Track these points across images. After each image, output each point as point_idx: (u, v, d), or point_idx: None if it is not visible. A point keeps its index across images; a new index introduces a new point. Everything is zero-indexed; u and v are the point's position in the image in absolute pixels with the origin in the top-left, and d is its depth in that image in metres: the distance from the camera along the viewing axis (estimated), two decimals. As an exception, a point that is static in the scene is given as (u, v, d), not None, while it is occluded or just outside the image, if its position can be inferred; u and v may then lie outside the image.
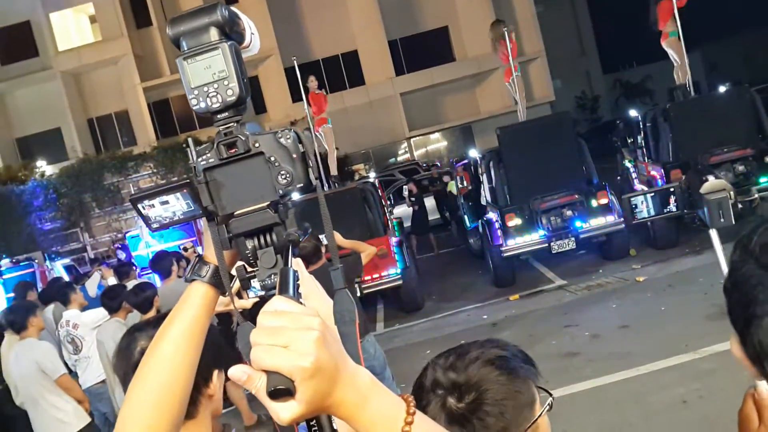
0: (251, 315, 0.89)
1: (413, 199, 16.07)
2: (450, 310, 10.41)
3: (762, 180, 9.70)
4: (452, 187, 16.86)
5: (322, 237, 4.95)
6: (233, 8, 0.99)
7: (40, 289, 9.79)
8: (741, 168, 9.75)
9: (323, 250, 5.03)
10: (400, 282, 10.39)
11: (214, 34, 0.95)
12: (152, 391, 1.08)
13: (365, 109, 31.06)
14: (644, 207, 3.98)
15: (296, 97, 19.78)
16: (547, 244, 10.35)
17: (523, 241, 10.48)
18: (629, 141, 12.70)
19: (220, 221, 0.99)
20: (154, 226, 1.04)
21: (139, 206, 1.02)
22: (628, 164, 12.72)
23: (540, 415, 1.28)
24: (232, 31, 0.97)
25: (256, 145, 0.96)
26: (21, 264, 13.11)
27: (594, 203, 10.36)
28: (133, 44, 29.23)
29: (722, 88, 12.98)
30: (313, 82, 13.25)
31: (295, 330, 0.76)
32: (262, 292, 0.98)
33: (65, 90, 28.95)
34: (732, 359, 0.94)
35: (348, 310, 0.98)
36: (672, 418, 5.24)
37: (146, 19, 30.14)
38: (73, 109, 29.21)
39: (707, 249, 8.20)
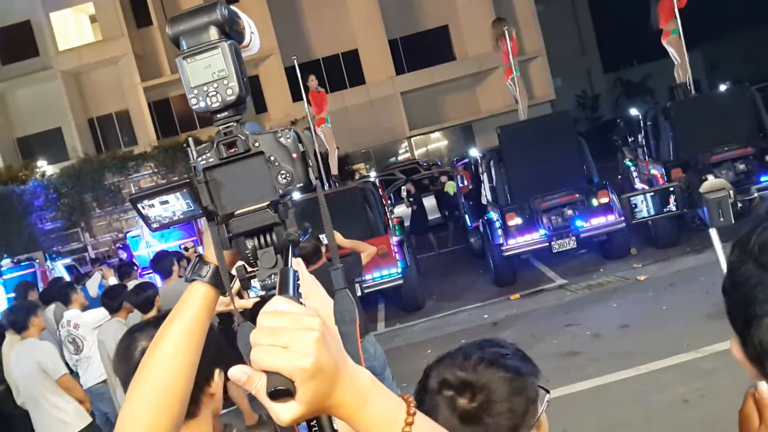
0: (252, 315, 0.89)
1: (411, 199, 16.05)
2: (451, 310, 10.41)
3: (763, 179, 9.70)
4: (449, 188, 16.85)
5: (322, 237, 4.95)
6: (233, 7, 0.99)
7: (40, 289, 9.79)
8: (741, 167, 9.74)
9: (323, 249, 5.02)
10: (400, 281, 10.40)
11: (213, 33, 0.95)
12: (152, 391, 1.07)
13: (366, 108, 31.06)
14: (644, 206, 3.98)
15: (297, 97, 19.79)
16: (547, 244, 10.35)
17: (523, 241, 10.48)
18: (630, 140, 12.69)
19: (220, 221, 0.99)
20: (154, 226, 1.04)
21: (139, 206, 1.02)
22: (628, 163, 12.72)
23: (542, 412, 1.32)
24: (231, 30, 0.97)
25: (256, 144, 0.96)
26: (22, 264, 13.11)
27: (595, 202, 10.36)
28: (133, 44, 29.24)
29: (723, 87, 12.97)
30: (313, 81, 13.24)
31: (295, 330, 0.76)
32: (263, 292, 0.98)
33: (66, 90, 28.97)
34: (733, 359, 0.94)
35: (348, 310, 0.98)
36: (673, 418, 5.24)
37: (146, 19, 30.15)
38: (73, 109, 29.23)
39: (708, 248, 8.18)
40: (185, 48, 0.95)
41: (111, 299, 5.95)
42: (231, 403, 7.14)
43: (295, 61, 13.48)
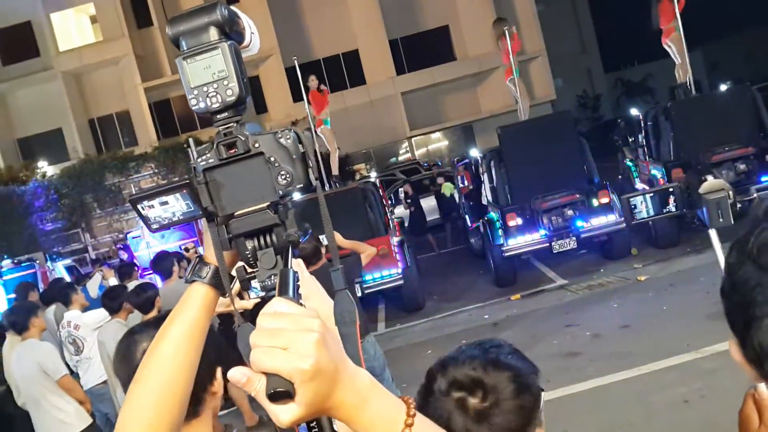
0: (252, 315, 0.89)
1: (409, 200, 16.04)
2: (451, 310, 10.41)
3: (763, 179, 9.69)
4: (446, 189, 16.85)
5: (322, 237, 4.95)
6: (233, 8, 0.99)
7: (41, 290, 9.79)
8: (742, 167, 9.73)
9: (323, 250, 5.02)
10: (401, 282, 10.39)
11: (213, 33, 0.94)
12: (152, 391, 1.07)
13: (366, 108, 31.06)
14: (643, 207, 3.98)
15: (297, 97, 19.79)
16: (548, 244, 10.34)
17: (524, 241, 10.48)
18: (630, 140, 12.69)
19: (220, 222, 0.99)
20: (154, 226, 1.04)
21: (139, 207, 1.02)
22: (629, 163, 12.71)
23: (542, 408, 1.36)
24: (231, 31, 0.97)
25: (256, 145, 0.96)
26: (22, 265, 13.10)
27: (595, 202, 10.36)
28: (134, 44, 29.25)
29: (723, 87, 12.98)
30: (313, 81, 13.25)
31: (295, 332, 0.75)
32: (263, 293, 0.98)
33: (66, 90, 28.98)
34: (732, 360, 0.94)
35: (348, 311, 0.98)
36: (674, 418, 5.24)
37: (147, 19, 30.15)
38: (74, 110, 29.24)
39: (708, 248, 8.16)
40: (185, 48, 0.95)
41: (111, 300, 5.95)
42: (231, 403, 7.14)
43: (295, 61, 13.48)
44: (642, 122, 11.89)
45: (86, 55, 29.20)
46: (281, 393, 0.74)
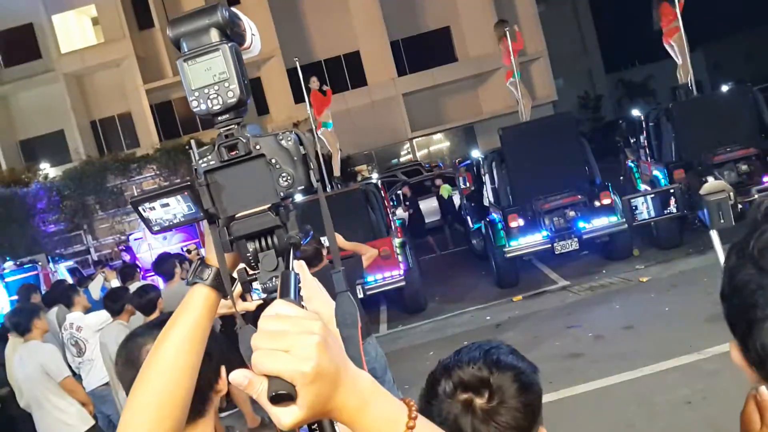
0: (255, 317, 0.89)
1: (408, 203, 16.04)
2: (453, 311, 10.40)
3: (766, 179, 9.66)
4: (444, 191, 16.85)
5: (323, 239, 4.94)
6: (234, 9, 0.99)
7: (43, 292, 9.80)
8: (744, 167, 9.71)
9: (324, 252, 5.02)
10: (403, 283, 10.39)
11: (214, 35, 0.94)
12: (154, 393, 1.07)
13: (367, 109, 31.06)
14: (645, 208, 3.98)
15: (299, 98, 19.80)
16: (550, 245, 10.33)
17: (526, 242, 10.47)
18: (632, 141, 12.68)
19: (221, 224, 0.99)
20: (155, 228, 1.04)
21: (140, 209, 1.02)
22: (631, 164, 12.70)
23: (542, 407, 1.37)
24: (232, 33, 0.97)
25: (257, 147, 0.96)
26: (24, 266, 13.12)
27: (597, 203, 10.35)
28: (135, 46, 29.28)
29: (725, 88, 12.96)
30: (315, 82, 13.24)
31: (296, 334, 0.75)
32: (265, 295, 0.98)
33: (68, 92, 29.02)
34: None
35: (350, 313, 0.98)
36: (676, 419, 5.23)
37: (148, 21, 30.17)
38: (76, 111, 29.28)
39: (710, 249, 8.17)
40: (186, 50, 0.95)
41: (113, 302, 5.95)
42: (233, 405, 7.14)
43: (297, 62, 13.49)
44: (643, 123, 11.89)
45: (88, 57, 29.24)
46: (283, 395, 0.74)
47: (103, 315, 6.30)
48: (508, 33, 12.19)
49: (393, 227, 11.48)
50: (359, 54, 31.97)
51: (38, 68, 29.17)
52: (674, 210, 3.96)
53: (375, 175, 23.19)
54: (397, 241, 10.70)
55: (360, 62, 32.03)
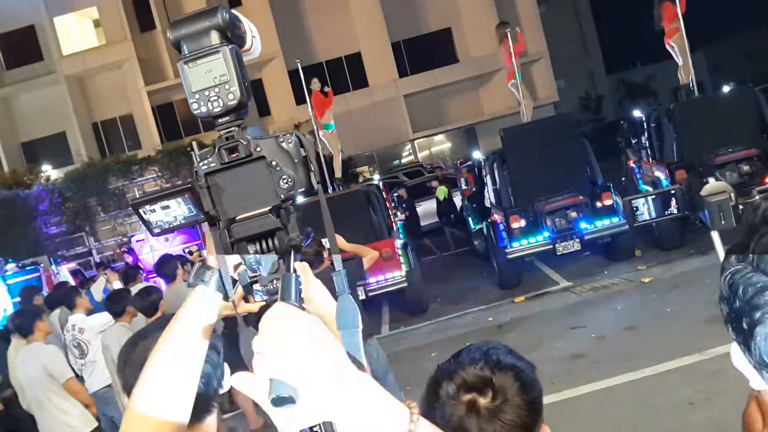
0: (257, 319, 0.89)
1: (404, 205, 16.04)
2: (455, 313, 10.39)
3: (767, 180, 9.65)
4: (440, 193, 16.84)
5: (324, 241, 4.93)
6: (234, 11, 0.99)
7: (45, 294, 9.80)
8: (746, 168, 9.69)
9: (325, 254, 5.01)
10: (404, 284, 10.38)
11: (214, 37, 0.94)
12: (156, 395, 1.07)
13: (369, 111, 31.08)
14: (646, 209, 3.97)
15: (300, 100, 19.81)
16: (551, 246, 10.32)
17: (527, 243, 10.46)
18: (633, 141, 12.66)
19: (222, 226, 0.99)
20: (156, 231, 1.04)
21: (141, 211, 1.02)
22: (632, 165, 12.69)
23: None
24: (233, 35, 0.97)
25: (258, 149, 0.96)
26: (27, 268, 13.13)
27: (598, 204, 10.34)
28: (137, 48, 29.32)
29: (726, 88, 12.94)
30: (316, 83, 13.24)
31: (296, 337, 0.75)
32: (267, 297, 0.98)
33: (70, 94, 29.06)
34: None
35: (351, 315, 0.98)
36: (678, 420, 5.22)
37: (150, 23, 30.22)
38: (77, 113, 29.32)
39: (712, 250, 8.16)
40: (186, 52, 0.95)
41: (115, 303, 5.96)
42: (236, 407, 7.14)
43: (298, 64, 13.50)
44: (645, 123, 11.87)
45: (89, 59, 29.28)
46: (284, 398, 0.74)
47: (105, 317, 6.30)
48: (509, 34, 12.18)
49: (394, 228, 11.47)
50: (360, 55, 31.99)
51: (40, 70, 29.22)
52: (675, 211, 3.94)
53: (376, 177, 23.20)
54: (398, 243, 10.69)
55: (361, 63, 32.06)
